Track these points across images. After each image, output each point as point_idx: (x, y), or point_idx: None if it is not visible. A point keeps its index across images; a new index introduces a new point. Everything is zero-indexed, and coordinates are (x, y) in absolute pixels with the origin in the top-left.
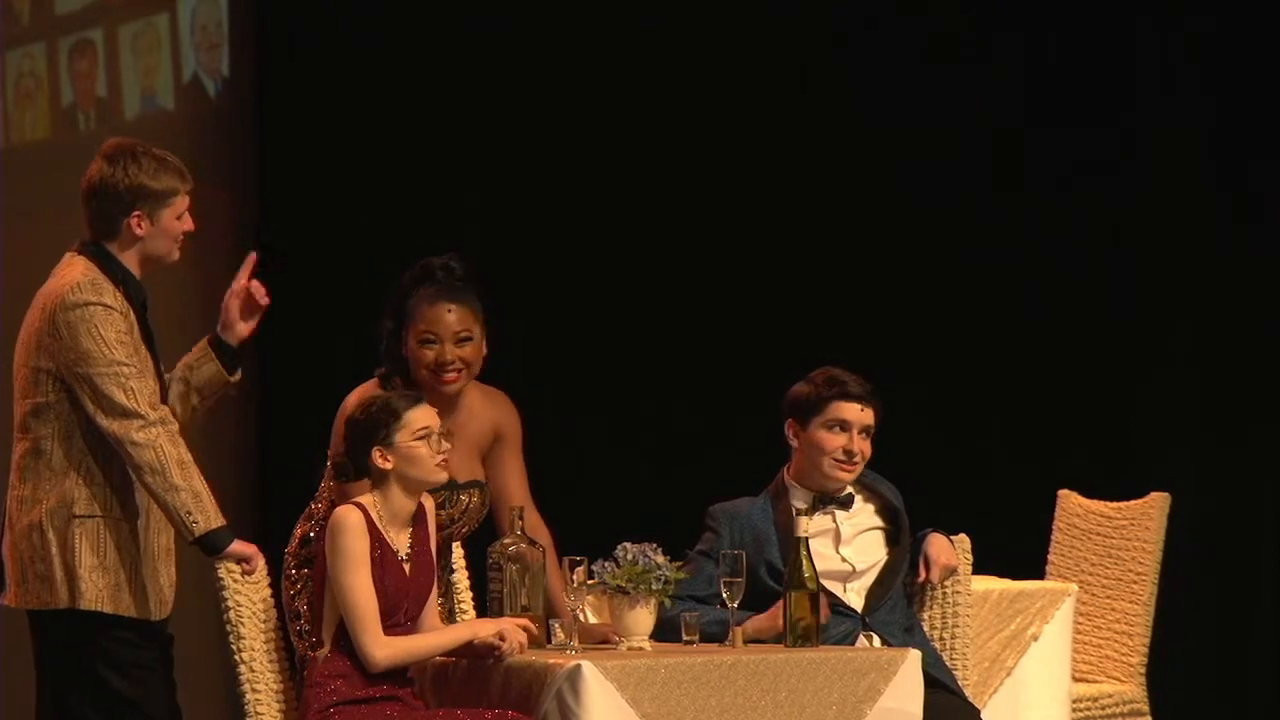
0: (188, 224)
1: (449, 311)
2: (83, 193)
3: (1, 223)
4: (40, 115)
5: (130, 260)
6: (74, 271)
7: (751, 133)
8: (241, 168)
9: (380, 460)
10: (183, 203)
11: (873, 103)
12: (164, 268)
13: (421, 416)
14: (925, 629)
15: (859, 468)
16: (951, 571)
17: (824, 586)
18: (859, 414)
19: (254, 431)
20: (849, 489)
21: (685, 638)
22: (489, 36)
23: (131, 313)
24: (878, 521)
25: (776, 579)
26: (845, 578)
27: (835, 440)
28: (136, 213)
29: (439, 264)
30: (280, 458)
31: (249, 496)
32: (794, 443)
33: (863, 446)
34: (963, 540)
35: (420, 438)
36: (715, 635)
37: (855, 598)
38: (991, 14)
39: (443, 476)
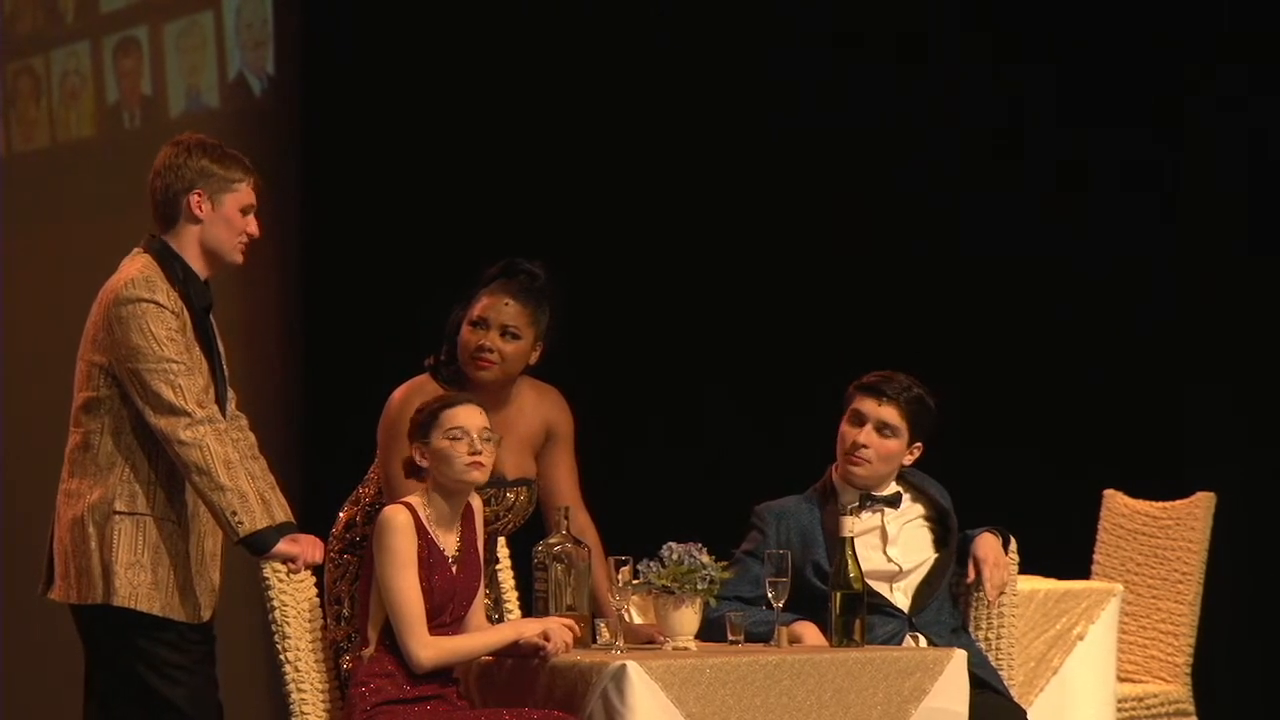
0: (252, 226)
1: (507, 304)
2: (149, 181)
3: (48, 220)
4: (85, 113)
5: (192, 253)
6: (132, 268)
7: (788, 136)
8: (286, 166)
9: (419, 458)
10: (246, 194)
11: (910, 109)
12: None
13: (457, 415)
14: (971, 629)
15: (870, 464)
16: (1004, 586)
17: (870, 587)
18: (875, 408)
19: (298, 414)
20: (897, 488)
21: (730, 638)
22: (534, 36)
23: (186, 313)
24: (925, 522)
25: (823, 579)
26: (892, 578)
27: (850, 433)
28: (197, 191)
29: (523, 265)
30: (326, 441)
31: (292, 478)
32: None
33: (878, 443)
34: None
35: (453, 437)
36: (760, 635)
37: (902, 598)
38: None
39: (476, 477)
